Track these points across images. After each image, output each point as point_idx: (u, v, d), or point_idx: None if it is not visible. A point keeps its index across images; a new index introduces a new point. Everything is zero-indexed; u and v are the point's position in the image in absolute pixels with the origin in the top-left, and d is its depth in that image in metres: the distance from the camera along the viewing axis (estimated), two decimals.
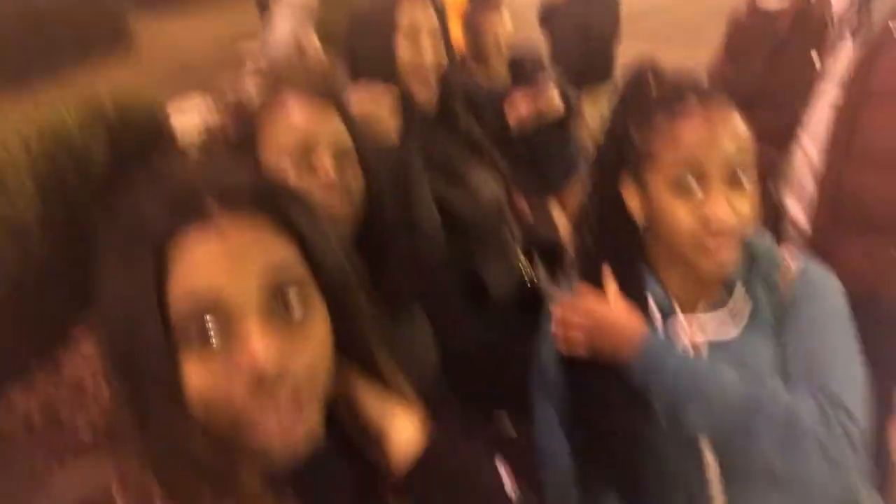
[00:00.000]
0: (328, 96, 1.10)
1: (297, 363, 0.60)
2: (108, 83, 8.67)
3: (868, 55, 1.43)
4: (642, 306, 1.04)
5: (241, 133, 1.07)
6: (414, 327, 1.30)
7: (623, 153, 1.01)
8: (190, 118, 3.16)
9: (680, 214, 0.95)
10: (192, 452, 0.57)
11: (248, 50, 5.79)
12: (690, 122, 0.94)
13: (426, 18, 1.50)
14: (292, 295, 0.62)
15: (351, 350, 0.70)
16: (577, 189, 2.95)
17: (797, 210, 1.60)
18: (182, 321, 0.58)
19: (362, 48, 1.53)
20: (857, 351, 0.99)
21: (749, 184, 0.96)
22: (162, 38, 12.81)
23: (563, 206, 2.84)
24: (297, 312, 0.62)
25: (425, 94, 1.53)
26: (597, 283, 1.07)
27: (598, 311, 1.03)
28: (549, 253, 1.88)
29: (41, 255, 2.43)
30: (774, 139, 1.57)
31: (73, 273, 2.47)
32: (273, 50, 4.26)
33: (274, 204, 0.64)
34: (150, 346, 0.58)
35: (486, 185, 1.63)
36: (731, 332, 1.02)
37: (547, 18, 3.94)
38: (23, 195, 2.40)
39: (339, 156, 1.07)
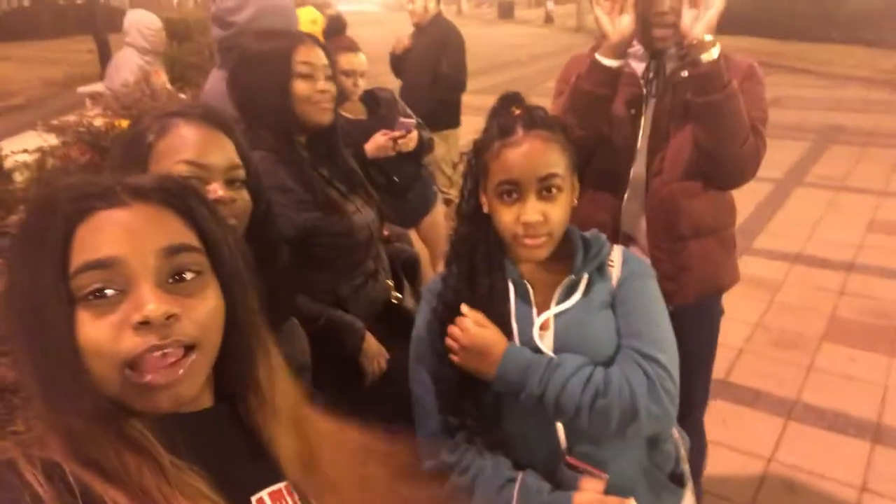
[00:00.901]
0: (219, 125, 1.12)
1: (184, 320, 0.66)
2: None
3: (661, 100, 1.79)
4: (504, 290, 1.29)
5: (130, 155, 1.07)
6: (291, 333, 1.36)
7: (478, 171, 1.29)
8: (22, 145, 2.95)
9: (504, 216, 1.23)
10: (86, 403, 0.61)
11: (90, 92, 5.51)
12: (514, 149, 1.22)
13: (319, 59, 1.65)
14: (188, 274, 0.68)
15: (241, 333, 0.75)
16: (436, 223, 3.09)
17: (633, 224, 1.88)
18: (80, 284, 0.63)
19: (256, 87, 1.60)
20: (668, 322, 1.29)
21: (559, 195, 1.23)
22: None
23: (423, 239, 2.95)
24: (190, 287, 0.68)
25: (327, 118, 1.67)
26: (467, 298, 1.27)
27: (471, 332, 1.24)
28: (410, 271, 1.98)
29: None
30: (611, 175, 1.85)
31: None
32: (119, 87, 4.09)
33: (178, 198, 0.71)
34: (50, 303, 0.62)
35: (361, 212, 1.73)
36: (572, 301, 1.28)
37: (397, 67, 4.17)
38: None
39: (229, 180, 1.10)
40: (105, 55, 5.48)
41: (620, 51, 1.68)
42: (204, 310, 0.69)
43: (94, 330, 0.63)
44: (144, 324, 0.63)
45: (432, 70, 3.75)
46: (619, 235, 1.88)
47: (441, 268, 1.36)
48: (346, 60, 2.61)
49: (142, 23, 4.30)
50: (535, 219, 1.20)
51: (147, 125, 1.09)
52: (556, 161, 1.22)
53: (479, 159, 1.29)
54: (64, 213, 0.65)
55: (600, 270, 1.29)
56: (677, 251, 1.80)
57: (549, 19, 26.48)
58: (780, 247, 4.64)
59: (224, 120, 1.15)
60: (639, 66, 1.82)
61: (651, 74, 1.80)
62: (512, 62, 14.10)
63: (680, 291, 1.80)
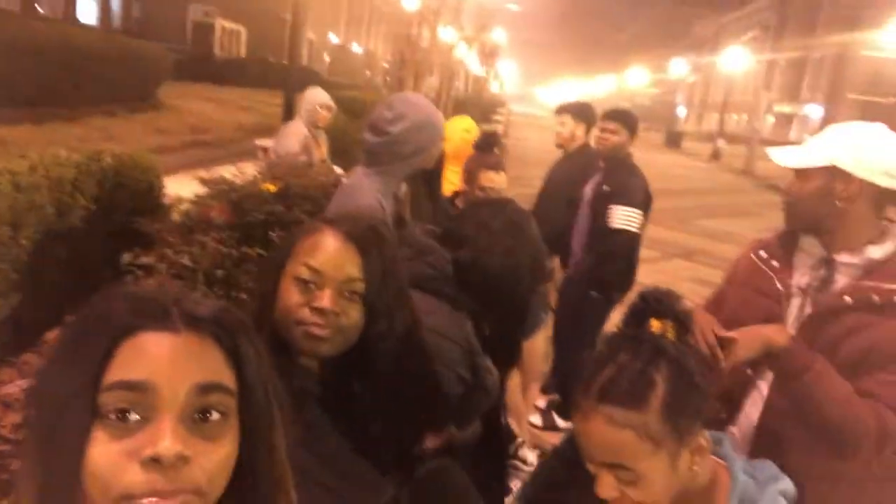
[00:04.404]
0: (358, 240, 1.17)
1: (195, 466, 0.64)
2: (122, 137, 9.27)
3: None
4: None
5: (284, 245, 1.20)
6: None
7: None
8: (184, 188, 3.24)
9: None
10: None
11: (263, 145, 6.03)
12: (581, 424, 1.06)
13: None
14: (213, 415, 0.67)
15: (255, 481, 0.73)
16: (535, 347, 2.97)
17: None
18: (107, 400, 0.63)
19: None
20: None
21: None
22: (188, 113, 13.59)
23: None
24: (212, 430, 0.67)
25: None
26: None
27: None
28: None
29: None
30: None
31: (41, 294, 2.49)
32: (283, 150, 4.44)
33: (229, 334, 0.71)
34: (73, 410, 0.63)
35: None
36: None
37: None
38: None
39: (343, 296, 1.13)
40: (288, 113, 6.01)
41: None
42: (217, 458, 0.66)
43: (103, 454, 0.62)
44: (154, 461, 0.61)
45: (568, 199, 3.69)
46: None
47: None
48: (486, 178, 2.66)
49: (310, 100, 4.71)
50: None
51: (306, 226, 1.20)
52: (629, 450, 1.02)
53: None
54: (115, 324, 0.66)
55: None
56: None
57: (716, 156, 26.03)
58: None
59: (365, 236, 1.18)
60: (801, 265, 1.58)
61: (815, 283, 1.54)
62: (670, 192, 13.85)
63: None
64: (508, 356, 1.87)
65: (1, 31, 9.71)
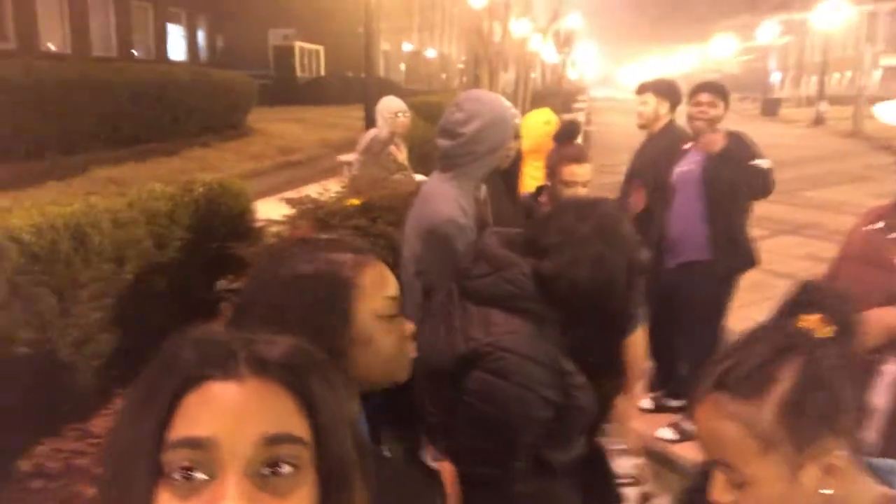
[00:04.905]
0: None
1: None
2: (217, 166, 9.75)
3: None
4: None
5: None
6: None
7: None
8: (276, 210, 3.32)
9: None
10: None
11: (346, 160, 6.14)
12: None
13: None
14: (284, 468, 0.62)
15: None
16: (634, 343, 2.83)
17: None
18: (171, 459, 0.60)
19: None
20: None
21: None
22: (275, 136, 14.15)
23: None
24: (283, 486, 0.62)
25: None
26: None
27: None
28: None
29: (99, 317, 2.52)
30: None
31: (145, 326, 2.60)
32: (367, 141, 4.53)
33: (301, 378, 0.66)
34: (137, 472, 0.61)
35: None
36: None
37: None
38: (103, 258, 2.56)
39: None
40: (370, 125, 6.09)
41: None
42: None
43: None
44: None
45: (654, 183, 3.46)
46: None
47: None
48: (568, 171, 2.52)
49: (385, 108, 4.75)
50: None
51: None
52: (734, 445, 0.92)
53: None
54: (179, 375, 0.64)
55: None
56: None
57: (819, 120, 24.42)
58: None
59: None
60: None
61: None
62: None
63: None
64: (606, 369, 1.68)
65: (102, 76, 10.44)
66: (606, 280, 1.38)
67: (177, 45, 22.77)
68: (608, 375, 1.72)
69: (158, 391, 0.63)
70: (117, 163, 9.45)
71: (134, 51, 19.38)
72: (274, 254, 1.05)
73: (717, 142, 3.07)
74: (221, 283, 2.72)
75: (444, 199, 1.98)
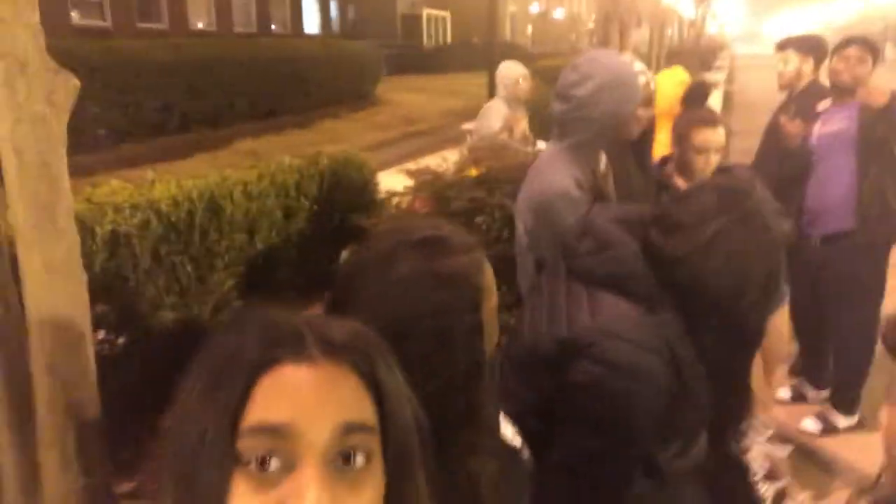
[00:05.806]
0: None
1: None
2: (346, 137, 10.08)
3: None
4: None
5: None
6: None
7: None
8: (399, 182, 3.35)
9: None
10: None
11: (469, 128, 6.10)
12: None
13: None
14: (358, 458, 0.60)
15: None
16: (776, 325, 2.61)
17: None
18: (249, 446, 0.58)
19: None
20: None
21: None
22: (401, 106, 14.40)
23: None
24: (357, 477, 0.60)
25: None
26: None
27: None
28: None
29: None
30: None
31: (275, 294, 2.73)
32: (484, 130, 4.42)
33: (367, 360, 0.63)
34: (210, 459, 0.58)
35: None
36: None
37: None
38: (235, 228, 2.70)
39: None
40: (492, 92, 5.98)
41: None
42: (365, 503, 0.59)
43: (245, 500, 0.57)
44: None
45: (793, 148, 3.12)
46: None
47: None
48: (700, 137, 2.32)
49: (504, 75, 4.54)
50: None
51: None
52: None
53: None
54: (250, 357, 0.60)
55: None
56: None
57: None
58: None
59: None
60: None
61: None
62: None
63: None
64: (724, 386, 1.34)
65: (241, 52, 11.05)
66: (738, 280, 1.19)
67: (311, 18, 23.61)
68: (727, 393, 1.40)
69: (229, 376, 0.60)
70: (257, 136, 10.00)
71: (273, 25, 20.28)
72: (379, 255, 0.95)
73: (882, 95, 2.72)
74: (344, 255, 2.79)
75: (558, 170, 1.87)
